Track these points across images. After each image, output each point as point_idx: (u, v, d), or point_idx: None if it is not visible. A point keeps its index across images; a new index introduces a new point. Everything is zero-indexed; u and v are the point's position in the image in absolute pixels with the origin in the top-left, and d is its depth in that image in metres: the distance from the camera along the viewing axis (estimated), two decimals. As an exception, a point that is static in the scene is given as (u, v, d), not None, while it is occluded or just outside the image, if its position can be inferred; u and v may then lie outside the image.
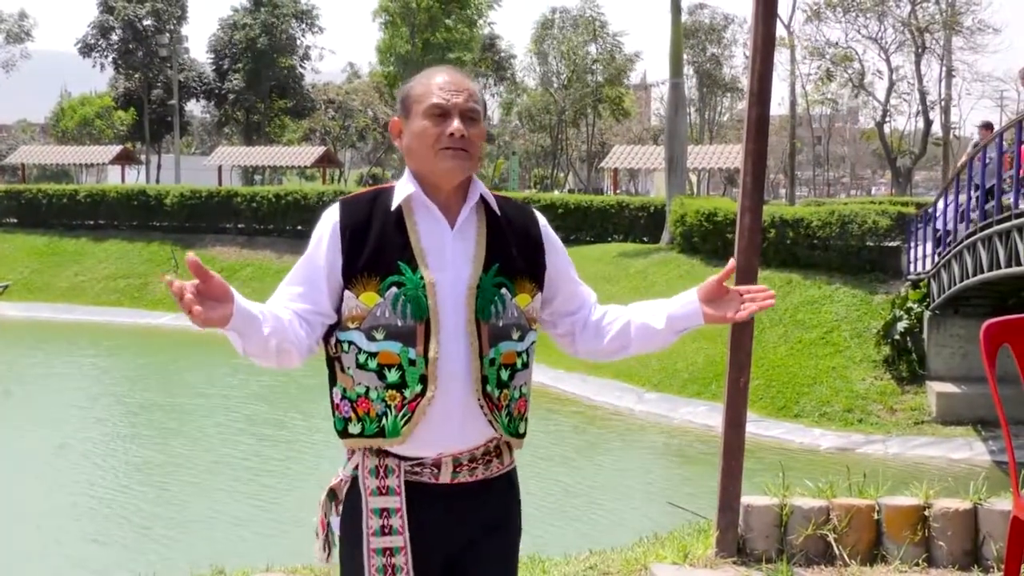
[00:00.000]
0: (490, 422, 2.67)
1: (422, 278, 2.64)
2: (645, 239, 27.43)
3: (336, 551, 2.77)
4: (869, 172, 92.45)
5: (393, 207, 2.71)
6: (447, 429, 2.66)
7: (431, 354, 2.62)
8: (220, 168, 46.73)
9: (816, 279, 19.75)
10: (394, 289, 2.64)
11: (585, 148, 64.76)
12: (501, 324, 2.69)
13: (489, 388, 2.67)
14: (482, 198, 2.77)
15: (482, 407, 2.66)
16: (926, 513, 4.21)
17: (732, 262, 2.68)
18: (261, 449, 15.37)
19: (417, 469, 2.68)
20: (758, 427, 16.18)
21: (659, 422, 17.21)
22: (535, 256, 2.81)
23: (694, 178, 49.50)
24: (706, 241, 22.34)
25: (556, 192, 51.16)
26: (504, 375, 2.69)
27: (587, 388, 19.14)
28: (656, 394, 18.32)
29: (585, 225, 28.46)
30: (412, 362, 2.63)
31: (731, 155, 38.76)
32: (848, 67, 46.10)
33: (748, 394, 3.72)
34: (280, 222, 31.79)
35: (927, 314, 17.26)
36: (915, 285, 18.18)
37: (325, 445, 13.80)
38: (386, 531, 2.66)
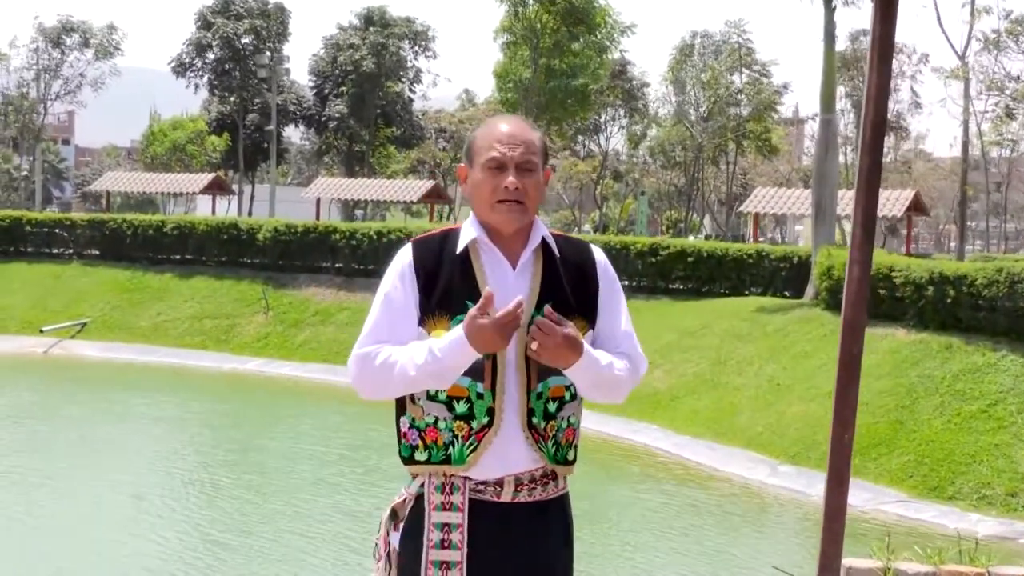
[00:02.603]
0: (533, 452, 3.22)
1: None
2: (787, 293, 27.46)
3: (395, 570, 3.28)
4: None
5: (459, 250, 3.26)
6: (507, 457, 3.19)
7: (498, 388, 3.17)
8: (318, 201, 47.98)
9: (980, 344, 19.64)
10: None
11: (724, 189, 64.69)
12: None
13: (535, 420, 3.21)
14: (543, 239, 3.31)
15: (527, 438, 3.20)
16: (1043, 587, 4.44)
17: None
18: (341, 504, 15.84)
19: (481, 487, 3.21)
20: (907, 509, 16.19)
21: (794, 498, 17.28)
22: (588, 295, 3.34)
23: (847, 226, 49.13)
24: (855, 297, 22.34)
25: (690, 238, 51.31)
26: (552, 407, 3.24)
27: (714, 457, 19.33)
28: (792, 467, 18.38)
29: (719, 276, 28.57)
30: (480, 395, 3.17)
31: (892, 202, 38.49)
32: (1032, 104, 45.47)
33: (852, 451, 4.04)
34: (382, 262, 31.71)
35: (1107, 388, 17.09)
36: (1094, 355, 18.01)
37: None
38: (445, 545, 3.16)
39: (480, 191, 3.27)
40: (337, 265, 33.47)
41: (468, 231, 3.29)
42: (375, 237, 32.84)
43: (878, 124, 4.10)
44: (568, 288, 3.28)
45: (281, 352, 29.94)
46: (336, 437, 20.95)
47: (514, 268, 3.26)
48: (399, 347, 3.19)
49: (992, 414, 18.12)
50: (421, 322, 3.24)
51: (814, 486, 17.58)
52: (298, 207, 52.47)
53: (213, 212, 49.09)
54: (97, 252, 37.41)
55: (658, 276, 29.34)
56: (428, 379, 3.15)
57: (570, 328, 3.13)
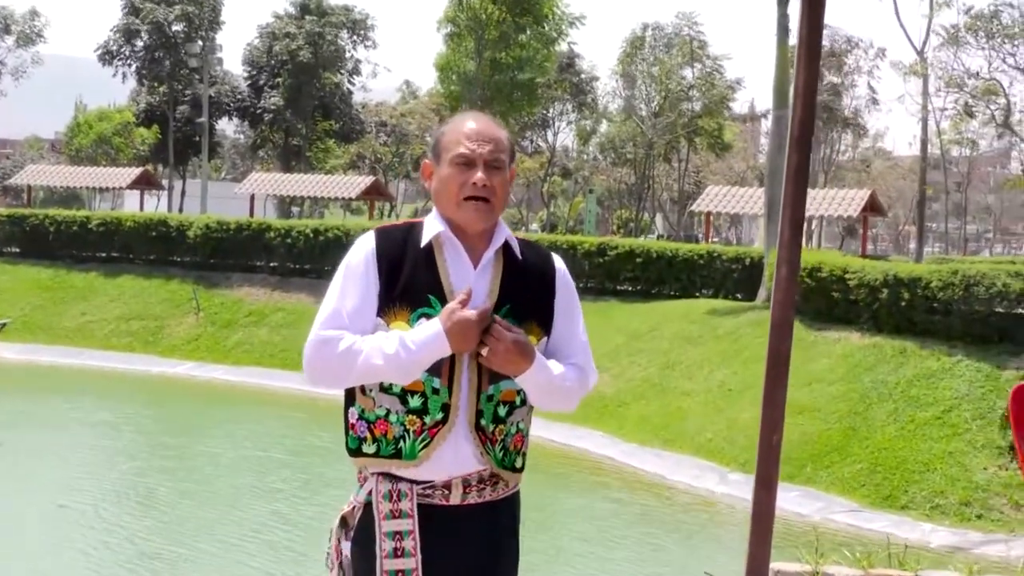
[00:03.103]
0: (480, 454, 3.33)
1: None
2: (739, 295, 27.75)
3: None
4: (1021, 226, 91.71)
5: (423, 243, 3.37)
6: (457, 456, 3.30)
7: (455, 385, 3.29)
8: (252, 197, 47.73)
9: (934, 349, 19.97)
10: (423, 320, 3.29)
11: (677, 187, 65.04)
12: None
13: (483, 422, 3.32)
14: (506, 241, 3.43)
15: (474, 440, 3.31)
16: (971, 589, 4.66)
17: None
18: (282, 512, 15.91)
19: (429, 492, 3.32)
20: (857, 518, 16.47)
21: (743, 507, 17.47)
22: (546, 301, 3.47)
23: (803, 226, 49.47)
24: (808, 300, 22.52)
25: (642, 238, 51.58)
26: (501, 411, 3.35)
27: (662, 465, 19.54)
28: (742, 475, 18.58)
29: (669, 277, 28.80)
30: (436, 391, 3.28)
31: (848, 202, 38.88)
32: (992, 102, 46.01)
33: (780, 453, 4.23)
34: (318, 261, 32.15)
35: (1062, 394, 17.41)
36: (1050, 360, 18.37)
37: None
38: (399, 553, 3.27)
39: (448, 187, 3.37)
40: (272, 264, 33.42)
41: (433, 225, 3.39)
42: (312, 235, 32.73)
43: (806, 120, 4.30)
44: (526, 292, 3.40)
45: (213, 355, 29.86)
46: (274, 443, 20.97)
47: (475, 267, 3.37)
48: (364, 336, 3.26)
49: (946, 421, 18.42)
50: (380, 312, 3.32)
51: (764, 494, 17.82)
52: (231, 203, 52.20)
53: (141, 208, 48.70)
54: (17, 249, 37.20)
55: (606, 277, 29.52)
56: (394, 371, 3.23)
57: (521, 335, 3.26)
